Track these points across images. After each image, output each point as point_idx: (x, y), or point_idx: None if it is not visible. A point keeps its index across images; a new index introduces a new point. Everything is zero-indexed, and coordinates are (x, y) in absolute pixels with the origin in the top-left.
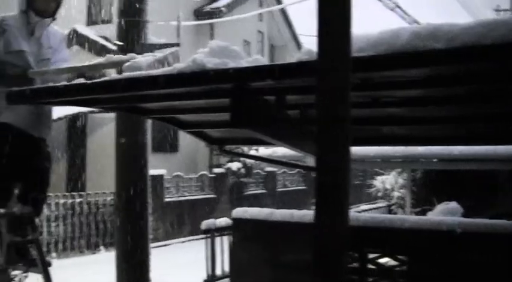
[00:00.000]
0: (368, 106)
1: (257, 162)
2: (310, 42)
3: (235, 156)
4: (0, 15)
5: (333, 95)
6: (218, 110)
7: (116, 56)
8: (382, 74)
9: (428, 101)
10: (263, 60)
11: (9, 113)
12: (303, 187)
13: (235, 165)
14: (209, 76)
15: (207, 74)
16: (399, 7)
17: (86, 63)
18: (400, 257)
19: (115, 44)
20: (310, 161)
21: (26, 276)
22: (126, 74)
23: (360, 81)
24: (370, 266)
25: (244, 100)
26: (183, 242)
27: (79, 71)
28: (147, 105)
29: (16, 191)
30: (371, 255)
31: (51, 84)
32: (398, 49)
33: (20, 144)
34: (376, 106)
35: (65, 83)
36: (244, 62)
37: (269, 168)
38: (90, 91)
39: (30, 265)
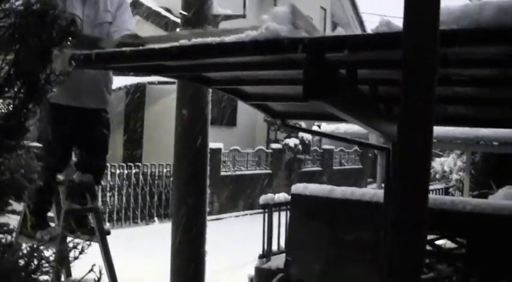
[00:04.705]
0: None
1: (315, 139)
2: (372, 20)
3: (297, 130)
4: None
5: (420, 69)
6: (286, 82)
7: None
8: (458, 50)
9: (502, 81)
10: (342, 31)
11: (61, 93)
12: (359, 166)
13: (292, 142)
14: (284, 45)
15: (281, 43)
16: None
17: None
18: (459, 239)
19: (180, 14)
20: (372, 138)
21: (89, 245)
22: (194, 41)
23: None
24: (428, 248)
25: (319, 72)
26: (237, 216)
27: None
28: (213, 74)
29: (74, 158)
30: (429, 237)
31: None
32: (482, 24)
33: (77, 118)
34: (444, 84)
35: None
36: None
37: (326, 146)
38: (157, 57)
39: (88, 233)
